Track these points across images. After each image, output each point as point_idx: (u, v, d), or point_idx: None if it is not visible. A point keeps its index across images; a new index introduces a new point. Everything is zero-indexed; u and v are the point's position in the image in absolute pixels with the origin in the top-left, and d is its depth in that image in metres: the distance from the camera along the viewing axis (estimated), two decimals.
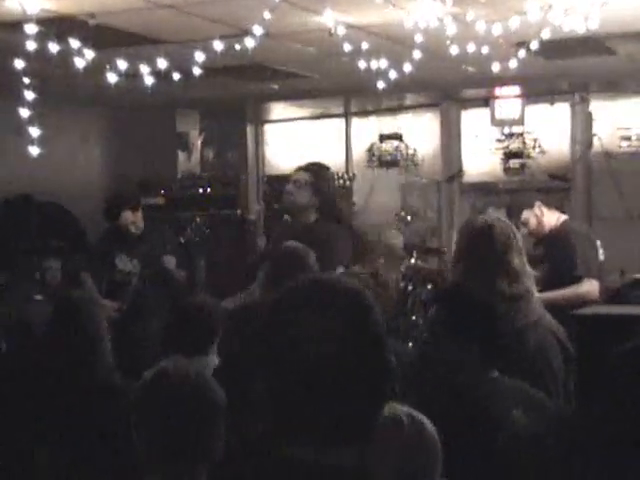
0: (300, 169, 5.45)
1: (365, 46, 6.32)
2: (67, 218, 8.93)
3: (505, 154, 9.80)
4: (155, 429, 2.62)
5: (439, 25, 5.87)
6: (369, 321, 1.62)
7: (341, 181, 9.83)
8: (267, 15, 5.29)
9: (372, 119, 10.56)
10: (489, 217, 4.04)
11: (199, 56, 5.85)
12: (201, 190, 9.87)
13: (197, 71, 6.02)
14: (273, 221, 8.79)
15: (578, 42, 6.92)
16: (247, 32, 5.61)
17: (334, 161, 10.32)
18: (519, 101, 9.54)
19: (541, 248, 6.14)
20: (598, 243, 6.10)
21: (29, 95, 5.50)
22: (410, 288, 6.52)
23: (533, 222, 6.07)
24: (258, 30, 5.47)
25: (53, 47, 5.55)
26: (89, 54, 5.63)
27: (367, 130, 10.49)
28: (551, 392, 3.50)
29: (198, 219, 5.97)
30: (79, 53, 5.60)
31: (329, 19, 5.97)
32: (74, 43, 5.57)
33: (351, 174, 10.09)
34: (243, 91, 9.51)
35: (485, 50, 6.37)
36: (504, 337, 3.05)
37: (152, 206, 9.52)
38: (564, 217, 6.24)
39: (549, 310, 3.85)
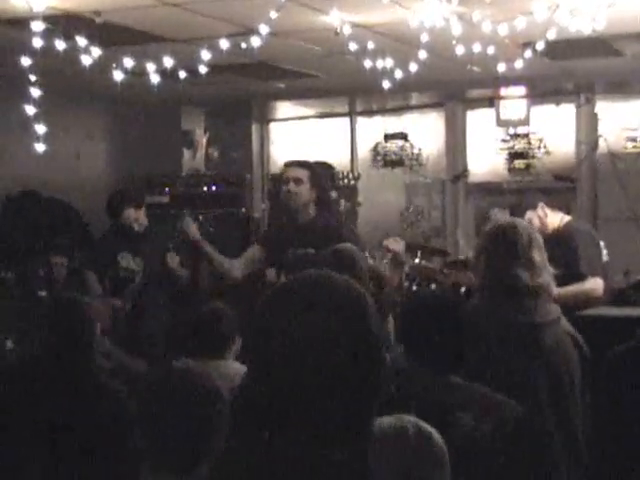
0: (293, 166, 5.49)
1: (371, 45, 6.32)
2: (72, 215, 8.94)
3: (510, 154, 9.80)
4: (160, 429, 2.63)
5: (445, 25, 5.87)
6: (364, 319, 1.63)
7: (346, 180, 9.83)
8: (273, 14, 5.30)
9: (377, 118, 10.56)
10: (511, 218, 4.17)
11: (205, 54, 5.86)
12: (206, 188, 9.86)
13: (203, 69, 6.03)
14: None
15: (584, 43, 6.92)
16: (253, 31, 5.62)
17: (339, 160, 10.35)
18: (524, 101, 9.53)
19: (544, 249, 6.14)
20: (602, 244, 6.09)
21: (35, 92, 5.51)
22: (414, 288, 6.52)
23: (536, 223, 6.06)
24: (264, 29, 5.48)
25: (59, 44, 5.56)
26: (95, 52, 5.64)
27: (372, 129, 10.49)
28: (567, 390, 3.53)
29: (201, 217, 5.96)
30: (85, 51, 5.62)
31: (335, 18, 5.97)
32: (80, 41, 5.59)
33: (356, 173, 10.09)
34: (249, 89, 9.52)
35: (491, 50, 6.37)
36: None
37: (157, 204, 9.54)
38: (567, 218, 6.23)
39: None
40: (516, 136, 9.77)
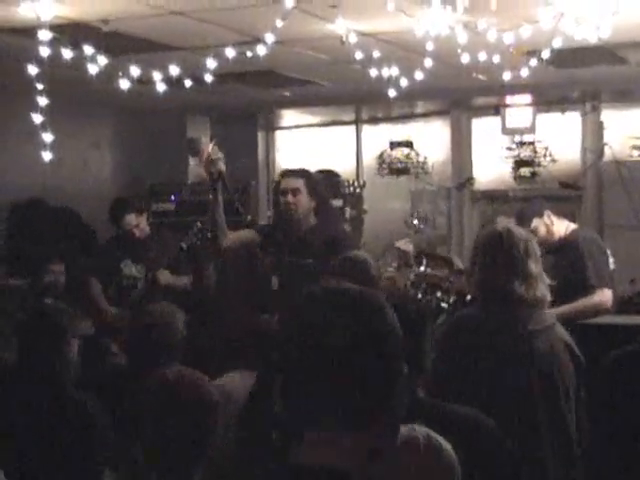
0: (289, 176, 5.45)
1: (376, 54, 6.33)
2: (78, 223, 8.96)
3: (516, 162, 9.79)
4: (155, 435, 2.64)
5: (450, 33, 5.88)
6: (382, 326, 1.70)
7: (351, 188, 9.83)
8: (279, 22, 5.31)
9: (383, 126, 10.57)
10: (507, 224, 4.07)
11: (211, 63, 5.87)
12: (211, 196, 9.86)
13: (209, 78, 6.04)
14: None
15: (589, 51, 6.93)
16: (259, 39, 5.63)
17: (345, 168, 10.36)
18: (530, 109, 9.54)
19: (550, 258, 6.13)
20: (608, 251, 6.08)
21: (42, 101, 5.53)
22: (419, 296, 6.52)
23: (542, 231, 6.06)
24: (270, 37, 5.49)
25: (66, 53, 5.58)
26: (102, 60, 5.66)
27: (378, 137, 10.50)
28: (561, 397, 3.51)
29: (199, 223, 5.96)
30: (92, 59, 5.64)
31: (341, 27, 5.98)
32: (87, 49, 5.61)
33: (361, 181, 10.10)
34: (254, 98, 9.53)
35: (496, 58, 6.38)
36: (509, 344, 3.02)
37: (162, 211, 9.56)
38: (573, 226, 6.22)
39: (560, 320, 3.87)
40: (522, 144, 9.76)
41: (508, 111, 9.58)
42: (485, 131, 10.04)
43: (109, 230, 7.27)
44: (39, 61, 5.34)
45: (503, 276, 3.55)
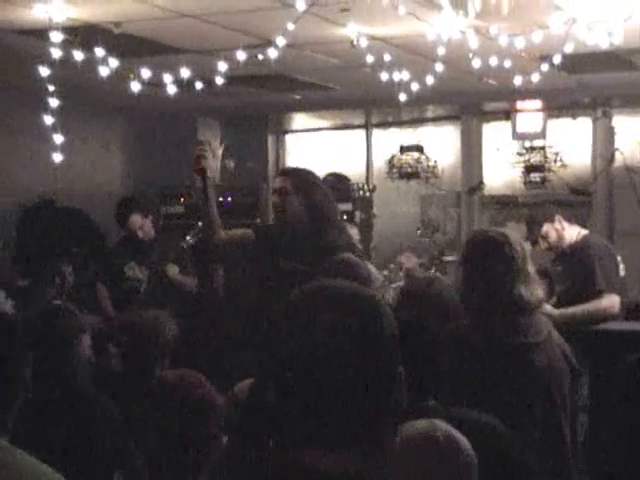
0: (278, 176, 5.21)
1: (387, 58, 6.33)
2: (88, 224, 8.97)
3: (526, 167, 9.77)
4: (155, 438, 2.64)
5: (461, 38, 5.88)
6: (378, 326, 1.62)
7: (361, 192, 9.83)
8: (290, 26, 5.32)
9: (393, 131, 10.56)
10: (494, 229, 4.04)
11: (222, 65, 5.88)
12: (221, 199, 9.88)
13: (220, 80, 6.05)
14: None
15: (601, 56, 6.91)
16: (270, 42, 5.64)
17: (354, 172, 10.36)
18: (541, 115, 9.52)
19: (560, 263, 6.12)
20: (619, 258, 6.07)
21: (53, 102, 5.54)
22: None
23: (553, 236, 6.05)
24: (281, 41, 5.50)
25: (78, 55, 5.60)
26: (113, 62, 5.67)
27: (388, 142, 10.49)
28: (559, 408, 3.50)
29: (199, 224, 5.95)
30: (103, 61, 5.65)
31: (352, 31, 5.99)
32: (99, 51, 5.62)
33: (371, 185, 10.10)
34: (265, 101, 9.54)
35: (507, 63, 6.37)
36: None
37: (172, 214, 9.57)
38: (584, 232, 6.21)
39: (564, 325, 3.86)
40: (532, 149, 9.75)
41: (519, 116, 9.56)
42: (495, 136, 10.02)
43: (118, 232, 7.30)
44: (51, 63, 5.35)
45: (505, 280, 3.52)
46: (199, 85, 6.32)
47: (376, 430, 1.61)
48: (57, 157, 5.82)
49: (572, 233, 6.09)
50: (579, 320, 5.53)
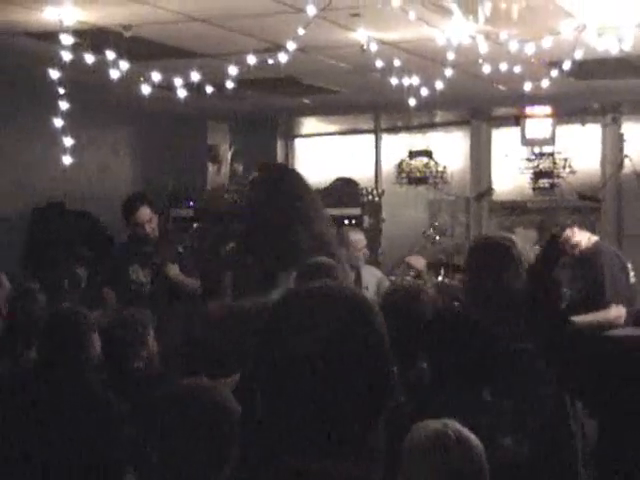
0: (256, 169, 5.29)
1: (397, 63, 6.34)
2: (97, 227, 8.99)
3: (535, 173, 9.77)
4: (171, 446, 2.64)
5: (471, 43, 5.88)
6: (369, 328, 1.59)
7: (370, 197, 9.83)
8: (300, 30, 5.32)
9: (402, 135, 10.57)
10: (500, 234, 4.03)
11: (232, 69, 5.89)
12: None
13: (230, 84, 6.06)
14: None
15: (611, 63, 6.91)
16: (280, 47, 5.65)
17: (363, 177, 10.35)
18: (550, 121, 9.51)
19: (569, 268, 6.11)
20: (629, 265, 6.06)
21: (63, 105, 5.56)
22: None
23: (568, 246, 6.04)
24: (291, 45, 5.51)
25: (88, 58, 5.61)
26: (123, 66, 5.69)
27: (397, 146, 10.50)
28: (567, 407, 3.51)
29: (195, 225, 5.97)
30: (114, 64, 5.66)
31: (362, 35, 6.00)
32: (109, 54, 5.64)
33: (380, 190, 10.09)
34: (274, 105, 9.55)
35: (517, 69, 6.37)
36: (495, 358, 3.00)
37: (181, 217, 9.58)
38: (595, 238, 6.20)
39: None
40: (541, 155, 9.75)
41: (528, 122, 9.56)
42: (504, 142, 10.02)
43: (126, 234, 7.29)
44: (61, 66, 5.37)
45: (517, 283, 3.53)
46: (209, 89, 6.33)
47: (370, 430, 1.59)
48: (67, 160, 5.83)
49: (583, 239, 6.08)
50: (587, 329, 5.52)
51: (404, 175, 10.30)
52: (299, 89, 8.46)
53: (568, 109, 9.45)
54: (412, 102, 6.62)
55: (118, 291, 6.43)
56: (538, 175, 9.76)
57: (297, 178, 5.30)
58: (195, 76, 5.94)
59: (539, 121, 9.55)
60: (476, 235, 8.75)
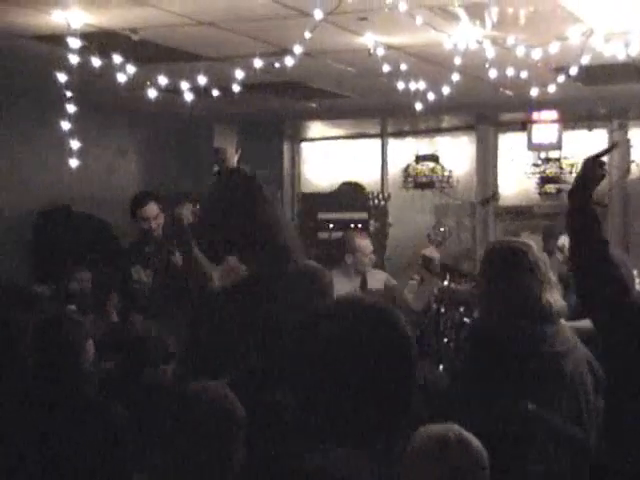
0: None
1: (403, 67, 6.34)
2: (104, 230, 9.00)
3: (541, 179, 9.76)
4: (177, 448, 2.64)
5: (478, 48, 5.88)
6: (393, 336, 1.70)
7: (376, 201, 9.83)
8: (307, 34, 5.32)
9: (409, 140, 10.57)
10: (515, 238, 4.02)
11: (239, 73, 5.90)
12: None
13: (236, 88, 6.06)
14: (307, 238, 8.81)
15: (618, 68, 6.90)
16: (287, 50, 5.65)
17: (370, 181, 10.37)
18: (556, 126, 9.51)
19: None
20: (635, 272, 6.05)
21: (70, 108, 5.57)
22: (442, 310, 6.50)
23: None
24: (298, 49, 5.51)
25: (95, 61, 5.62)
26: (130, 69, 5.70)
27: (403, 151, 10.50)
28: (584, 416, 3.48)
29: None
30: (121, 68, 5.67)
31: (369, 40, 6.00)
32: (116, 58, 5.65)
33: (386, 194, 10.10)
34: (281, 109, 9.56)
35: (524, 74, 6.36)
36: (538, 365, 2.99)
37: None
38: None
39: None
40: (547, 160, 9.74)
41: (535, 127, 9.55)
42: (511, 147, 10.01)
43: (133, 237, 7.29)
44: (68, 69, 5.38)
45: (531, 287, 3.51)
46: (216, 92, 6.33)
47: (390, 432, 1.65)
48: (74, 163, 5.84)
49: None
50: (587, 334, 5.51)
51: (410, 179, 10.31)
52: (306, 93, 8.47)
53: (575, 114, 9.44)
54: (419, 107, 6.62)
55: (121, 290, 6.45)
56: (544, 180, 9.75)
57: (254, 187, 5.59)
58: (202, 79, 5.95)
59: (546, 126, 9.55)
60: (492, 240, 8.73)
